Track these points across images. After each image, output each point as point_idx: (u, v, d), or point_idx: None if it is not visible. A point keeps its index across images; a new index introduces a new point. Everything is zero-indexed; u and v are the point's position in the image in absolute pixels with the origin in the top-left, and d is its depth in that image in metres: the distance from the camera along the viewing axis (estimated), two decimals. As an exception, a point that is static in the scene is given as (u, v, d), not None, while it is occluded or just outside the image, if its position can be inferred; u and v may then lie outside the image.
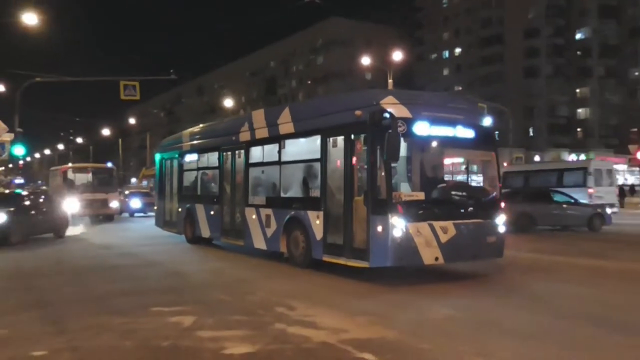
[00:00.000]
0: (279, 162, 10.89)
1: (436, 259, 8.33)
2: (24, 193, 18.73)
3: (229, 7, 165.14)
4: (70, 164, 30.35)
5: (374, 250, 8.25)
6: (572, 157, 55.10)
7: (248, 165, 12.00)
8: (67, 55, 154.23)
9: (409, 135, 8.25)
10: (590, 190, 21.62)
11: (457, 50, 79.29)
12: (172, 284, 9.04)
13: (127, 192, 32.02)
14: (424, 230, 8.21)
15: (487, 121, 9.46)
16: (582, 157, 56.62)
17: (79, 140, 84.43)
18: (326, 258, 9.33)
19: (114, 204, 24.27)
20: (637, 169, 47.35)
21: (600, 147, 64.80)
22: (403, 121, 8.13)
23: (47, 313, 7.06)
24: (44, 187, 43.20)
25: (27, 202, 16.74)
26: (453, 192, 9.42)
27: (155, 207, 18.21)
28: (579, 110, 72.97)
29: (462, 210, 8.87)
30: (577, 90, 72.33)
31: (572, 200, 18.80)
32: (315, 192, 9.83)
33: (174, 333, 5.92)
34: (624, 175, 59.11)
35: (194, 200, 14.49)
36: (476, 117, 9.43)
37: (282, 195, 10.78)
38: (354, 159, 8.87)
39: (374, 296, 7.95)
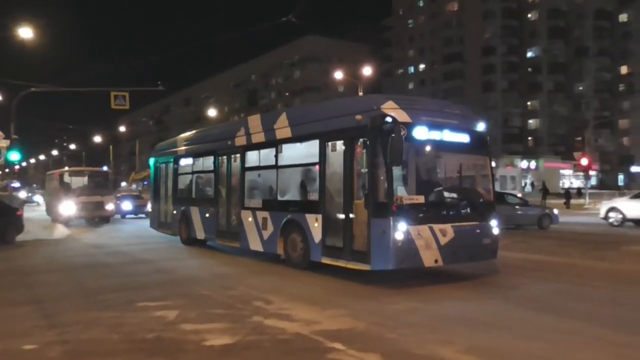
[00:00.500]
0: (276, 166, 10.38)
1: (436, 261, 7.96)
2: None
3: (214, 23, 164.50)
4: (66, 168, 29.59)
5: (375, 253, 7.79)
6: (524, 163, 56.04)
7: (244, 169, 11.46)
8: (61, 66, 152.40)
9: (408, 139, 7.81)
10: None
11: (422, 66, 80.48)
12: (159, 280, 8.89)
13: (118, 195, 31.50)
14: (425, 233, 7.82)
15: (481, 126, 8.99)
16: (533, 163, 57.78)
17: (73, 146, 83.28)
18: (325, 260, 8.84)
19: (110, 206, 23.73)
20: (582, 173, 48.43)
21: (549, 154, 66.30)
22: (403, 126, 7.72)
23: (39, 308, 6.88)
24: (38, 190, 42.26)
25: None
26: (451, 196, 8.92)
27: (150, 210, 17.83)
28: (530, 121, 74.69)
29: (460, 213, 8.46)
30: (529, 103, 74.01)
31: (523, 202, 19.16)
32: (314, 196, 9.34)
33: (158, 326, 5.83)
34: (570, 179, 60.71)
35: (189, 202, 13.97)
36: (471, 122, 8.98)
37: (280, 198, 10.27)
38: (354, 163, 8.40)
39: (352, 294, 7.75)
